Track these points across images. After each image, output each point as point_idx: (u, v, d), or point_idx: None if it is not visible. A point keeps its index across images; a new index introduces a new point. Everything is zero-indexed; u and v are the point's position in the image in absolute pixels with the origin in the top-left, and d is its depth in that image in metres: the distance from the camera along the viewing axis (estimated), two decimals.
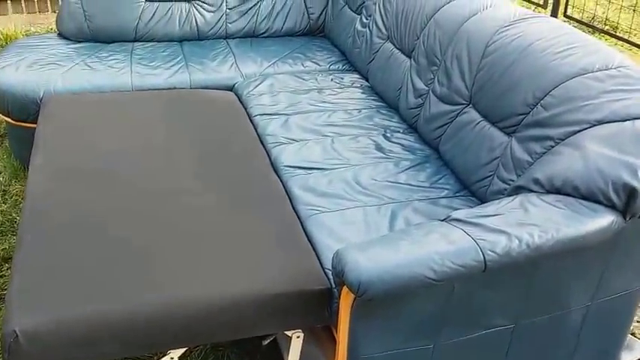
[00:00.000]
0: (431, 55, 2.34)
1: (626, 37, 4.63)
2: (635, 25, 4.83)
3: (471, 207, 1.93)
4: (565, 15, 4.97)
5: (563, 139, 1.69)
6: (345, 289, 1.42)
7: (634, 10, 4.95)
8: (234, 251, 1.68)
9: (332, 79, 2.81)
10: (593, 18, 5.02)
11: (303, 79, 2.79)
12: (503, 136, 1.93)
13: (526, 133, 1.84)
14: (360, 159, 2.16)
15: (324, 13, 3.35)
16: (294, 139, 2.28)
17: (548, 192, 1.59)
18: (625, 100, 1.67)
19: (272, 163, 2.18)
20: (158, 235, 1.72)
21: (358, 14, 3.03)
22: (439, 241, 1.40)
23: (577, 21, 4.92)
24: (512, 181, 1.83)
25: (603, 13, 5.13)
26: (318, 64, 3.00)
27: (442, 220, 1.54)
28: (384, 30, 2.73)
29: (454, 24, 2.27)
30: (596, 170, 1.52)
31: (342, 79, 2.82)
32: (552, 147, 1.72)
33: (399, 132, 2.37)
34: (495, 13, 2.19)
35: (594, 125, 1.64)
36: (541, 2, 5.11)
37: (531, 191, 1.63)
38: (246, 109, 2.58)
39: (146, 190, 1.92)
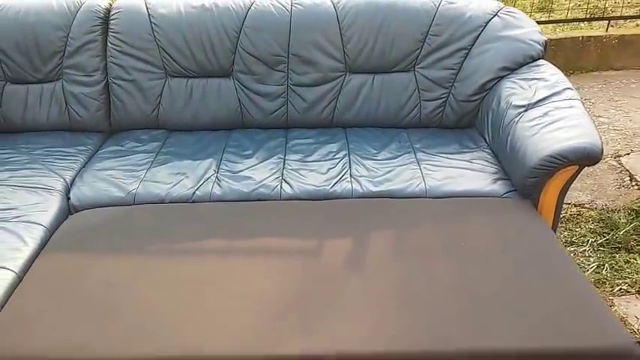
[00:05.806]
0: (269, 58, 2.43)
1: None
2: None
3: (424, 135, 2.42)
4: None
5: (473, 43, 2.38)
6: None
7: None
8: None
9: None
10: None
11: None
12: (406, 74, 2.44)
13: (429, 60, 2.42)
14: None
15: None
16: None
17: (515, 69, 2.31)
18: None
19: None
20: None
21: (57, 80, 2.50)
22: None
23: None
24: (445, 95, 2.42)
25: None
26: None
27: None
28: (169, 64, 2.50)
29: (278, 22, 2.42)
30: (522, 39, 2.35)
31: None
32: (468, 52, 2.39)
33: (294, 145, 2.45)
34: None
35: (488, 23, 2.39)
36: None
37: (504, 77, 2.31)
38: None
39: None
